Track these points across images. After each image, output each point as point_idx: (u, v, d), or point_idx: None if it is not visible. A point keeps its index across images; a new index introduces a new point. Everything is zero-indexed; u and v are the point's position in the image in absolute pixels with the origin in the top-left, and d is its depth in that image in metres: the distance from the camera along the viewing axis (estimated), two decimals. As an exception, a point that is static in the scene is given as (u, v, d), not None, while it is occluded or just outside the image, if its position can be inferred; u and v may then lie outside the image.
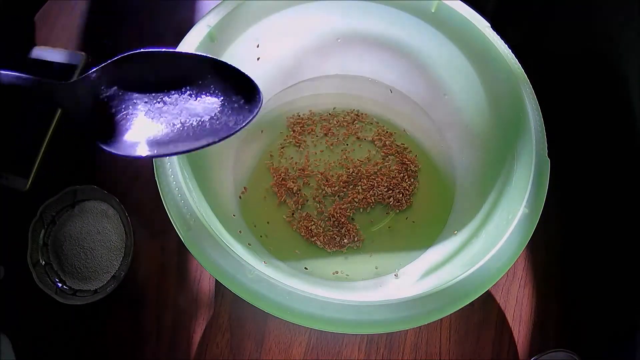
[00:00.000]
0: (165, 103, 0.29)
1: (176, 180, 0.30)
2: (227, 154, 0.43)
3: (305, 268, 0.40)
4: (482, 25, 0.37)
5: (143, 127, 0.28)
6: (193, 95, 0.29)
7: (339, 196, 0.44)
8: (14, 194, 0.45)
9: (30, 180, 0.45)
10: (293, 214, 0.43)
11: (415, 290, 0.28)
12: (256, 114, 0.28)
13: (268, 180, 0.44)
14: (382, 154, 0.46)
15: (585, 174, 0.45)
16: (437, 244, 0.40)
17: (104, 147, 0.27)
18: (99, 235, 0.42)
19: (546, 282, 0.43)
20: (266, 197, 0.44)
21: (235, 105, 0.29)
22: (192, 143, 0.28)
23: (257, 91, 0.28)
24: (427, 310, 0.27)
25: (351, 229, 0.42)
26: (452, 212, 0.42)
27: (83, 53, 0.50)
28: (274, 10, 0.39)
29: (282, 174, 0.44)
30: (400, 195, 0.43)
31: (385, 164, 0.45)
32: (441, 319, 0.29)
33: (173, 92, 0.29)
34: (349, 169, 0.45)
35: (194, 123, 0.28)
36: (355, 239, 0.41)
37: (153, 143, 0.28)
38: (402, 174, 0.44)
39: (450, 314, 0.27)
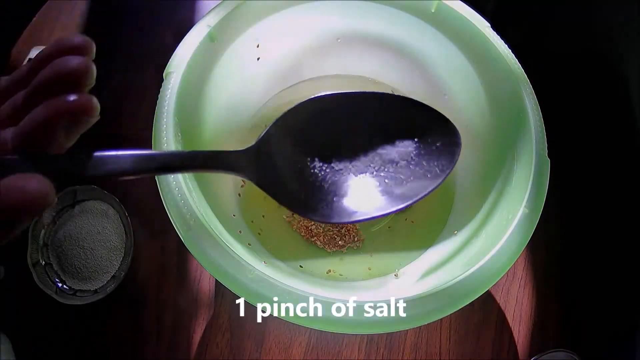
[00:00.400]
0: (352, 151, 0.25)
1: (176, 180, 0.30)
2: (227, 154, 0.43)
3: (300, 266, 0.39)
4: (482, 25, 0.37)
5: (339, 182, 0.25)
6: (382, 139, 0.25)
7: (339, 196, 0.44)
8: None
9: (30, 180, 0.45)
10: (293, 214, 0.43)
11: (415, 290, 0.28)
12: (458, 157, 0.25)
13: (268, 180, 0.44)
14: (382, 154, 0.46)
15: (585, 174, 0.45)
16: (437, 244, 0.40)
17: (307, 216, 0.24)
18: (99, 235, 0.42)
19: (546, 282, 0.43)
20: (266, 197, 0.43)
21: (433, 147, 0.25)
22: (406, 198, 0.24)
23: (456, 132, 0.25)
24: (427, 310, 0.27)
25: (351, 229, 0.41)
26: (452, 212, 0.42)
27: (83, 53, 0.50)
28: (274, 10, 0.39)
29: (282, 174, 0.44)
30: (400, 195, 0.43)
31: (385, 164, 0.45)
32: (441, 319, 0.29)
33: (358, 138, 0.25)
34: (349, 169, 0.45)
35: (391, 170, 0.25)
36: (355, 239, 0.41)
37: (359, 202, 0.24)
38: (402, 174, 0.44)
39: (450, 314, 0.27)
